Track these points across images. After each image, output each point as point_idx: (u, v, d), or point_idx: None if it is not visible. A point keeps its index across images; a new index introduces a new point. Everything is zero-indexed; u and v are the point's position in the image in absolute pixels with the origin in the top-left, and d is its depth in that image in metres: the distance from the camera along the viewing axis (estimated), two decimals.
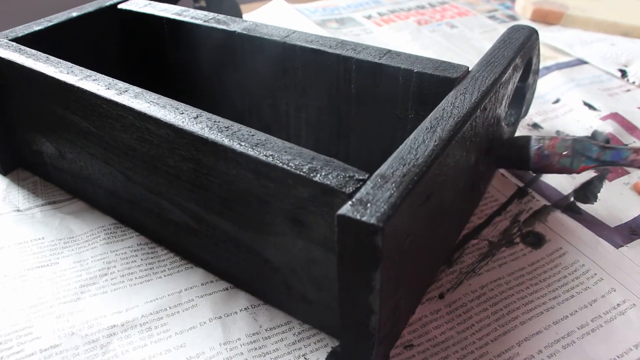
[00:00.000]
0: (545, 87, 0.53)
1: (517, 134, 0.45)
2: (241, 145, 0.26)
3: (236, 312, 0.31)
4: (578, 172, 0.35)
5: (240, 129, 0.27)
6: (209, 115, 0.28)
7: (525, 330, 0.30)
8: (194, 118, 0.28)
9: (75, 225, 0.36)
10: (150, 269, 0.33)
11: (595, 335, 0.30)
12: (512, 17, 0.68)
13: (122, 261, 0.34)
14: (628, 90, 0.53)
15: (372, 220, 0.22)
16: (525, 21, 0.67)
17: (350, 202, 0.23)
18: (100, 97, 0.31)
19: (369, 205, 0.22)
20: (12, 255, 0.34)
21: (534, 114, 0.49)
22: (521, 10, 0.69)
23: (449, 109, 0.29)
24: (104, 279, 0.32)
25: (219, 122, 0.28)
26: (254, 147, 0.26)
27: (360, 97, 0.36)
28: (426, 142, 0.26)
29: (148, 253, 0.34)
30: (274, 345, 0.29)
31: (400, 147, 0.26)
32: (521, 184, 0.40)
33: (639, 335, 0.30)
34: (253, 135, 0.27)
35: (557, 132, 0.47)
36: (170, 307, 0.31)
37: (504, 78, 0.33)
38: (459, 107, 0.29)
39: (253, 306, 0.31)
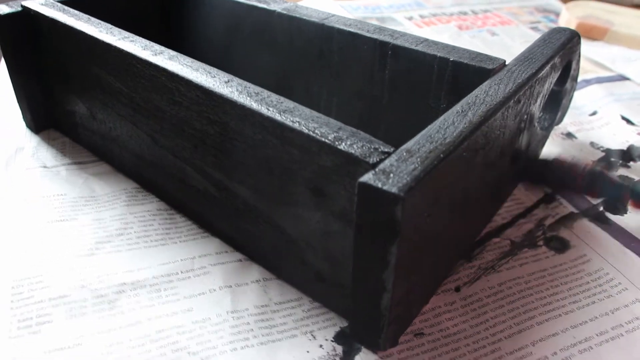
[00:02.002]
0: (583, 99, 0.52)
1: (550, 144, 0.44)
2: (269, 110, 0.26)
3: (247, 284, 0.30)
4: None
5: (269, 96, 0.27)
6: (240, 80, 0.28)
7: (541, 331, 0.29)
8: (225, 82, 0.28)
9: (97, 186, 0.36)
10: (167, 233, 0.33)
11: (614, 344, 0.29)
12: None
13: (140, 223, 0.34)
14: None
15: (394, 190, 0.21)
16: None
17: (372, 172, 0.22)
18: (136, 56, 0.31)
19: (391, 175, 0.22)
20: (35, 208, 0.34)
21: (568, 123, 0.47)
22: (565, 24, 0.68)
23: (482, 96, 0.28)
24: (119, 238, 0.32)
25: (249, 87, 0.28)
26: (282, 113, 0.26)
27: (393, 83, 0.36)
28: (456, 124, 0.26)
29: (166, 218, 0.34)
30: (281, 319, 0.29)
31: (429, 126, 0.26)
32: (549, 190, 0.39)
33: None
34: (282, 102, 0.27)
35: (591, 143, 0.45)
36: (181, 272, 0.31)
37: (541, 74, 0.32)
38: (492, 96, 0.29)
39: (265, 279, 0.31)
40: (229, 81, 0.28)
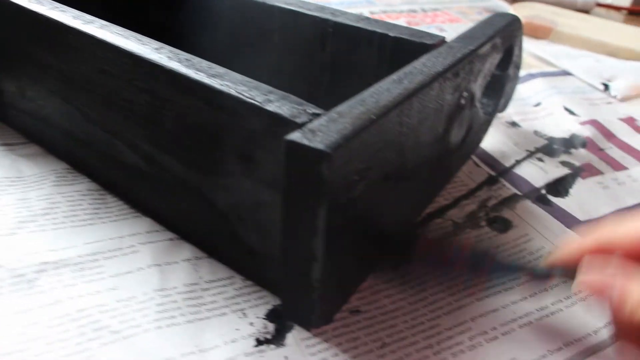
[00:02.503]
0: (527, 91, 0.52)
1: (495, 131, 0.44)
2: (197, 74, 0.25)
3: (177, 262, 0.29)
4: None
5: (200, 62, 0.26)
6: (172, 48, 0.27)
7: (481, 307, 0.29)
8: (156, 49, 0.27)
9: (26, 167, 0.34)
10: (96, 213, 0.31)
11: (555, 318, 0.28)
12: None
13: (68, 203, 0.32)
14: (609, 103, 0.52)
15: (320, 147, 0.20)
16: None
17: (300, 130, 0.21)
18: (66, 26, 0.29)
19: (319, 133, 0.21)
20: None
21: (513, 113, 0.48)
22: None
23: (419, 67, 0.28)
24: (44, 218, 0.31)
25: (180, 54, 0.27)
26: (211, 77, 0.25)
27: (335, 64, 0.35)
28: (390, 90, 0.25)
29: (96, 199, 0.33)
30: (211, 298, 0.27)
31: (363, 92, 0.25)
32: (493, 173, 0.39)
33: (599, 321, 0.28)
34: (212, 67, 0.26)
35: (535, 132, 0.46)
36: (109, 251, 0.29)
37: (481, 51, 0.32)
38: (430, 67, 0.28)
39: (196, 258, 0.29)
40: (159, 48, 0.27)
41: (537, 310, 0.29)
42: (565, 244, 0.26)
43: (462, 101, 0.33)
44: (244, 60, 0.39)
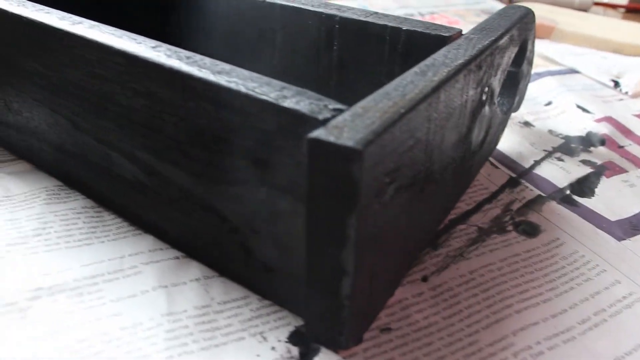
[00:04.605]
0: (536, 90, 0.50)
1: (509, 132, 0.42)
2: (201, 71, 0.22)
3: (185, 283, 0.26)
4: None
5: (203, 59, 0.24)
6: (170, 46, 0.25)
7: (521, 320, 0.26)
8: (152, 47, 0.25)
9: (13, 185, 0.32)
10: (93, 232, 0.29)
11: (598, 331, 0.26)
12: None
13: (62, 222, 0.29)
14: (621, 100, 0.50)
15: (350, 143, 0.18)
16: None
17: (323, 127, 0.19)
18: (52, 27, 0.27)
19: (345, 129, 0.19)
20: None
21: (525, 113, 0.46)
22: None
23: (441, 59, 0.26)
24: (36, 239, 0.28)
25: (179, 51, 0.24)
26: (216, 74, 0.22)
27: (342, 62, 0.33)
28: (415, 82, 0.23)
29: (92, 216, 0.30)
30: (226, 321, 0.25)
31: (385, 86, 0.23)
32: (513, 175, 0.37)
33: None
34: (217, 64, 0.23)
35: (550, 131, 0.44)
36: (108, 273, 0.26)
37: (501, 43, 0.30)
38: (452, 59, 0.26)
39: (206, 277, 0.27)
40: (156, 46, 0.25)
41: (578, 323, 0.26)
42: None
43: (484, 97, 0.30)
44: (244, 62, 0.37)
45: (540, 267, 0.29)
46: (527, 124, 0.45)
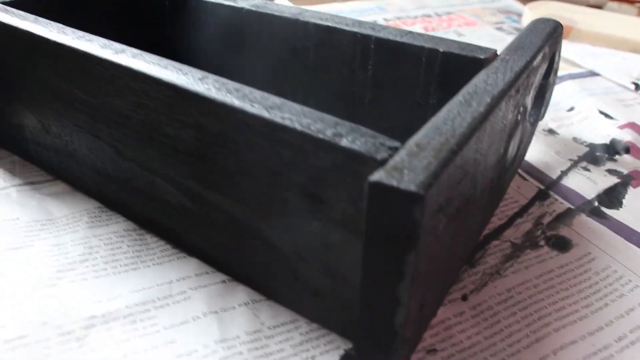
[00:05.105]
0: (558, 95, 0.50)
1: (534, 141, 0.43)
2: (254, 106, 0.23)
3: (234, 307, 0.27)
4: None
5: (252, 92, 0.24)
6: (217, 77, 0.25)
7: (560, 339, 0.27)
8: (199, 79, 0.25)
9: (54, 207, 0.32)
10: (138, 256, 0.29)
11: (635, 349, 0.27)
12: (519, 30, 0.67)
13: (106, 247, 0.30)
14: None
15: (412, 188, 0.18)
16: None
17: (382, 169, 0.19)
18: (94, 56, 0.27)
19: (405, 172, 0.19)
20: None
21: (549, 120, 0.46)
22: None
23: (482, 85, 0.26)
24: (84, 265, 0.29)
25: (227, 83, 0.25)
26: (269, 109, 0.23)
27: (377, 80, 0.33)
28: (462, 114, 0.23)
29: (136, 239, 0.30)
30: (277, 346, 0.25)
31: (433, 119, 0.23)
32: (542, 187, 0.38)
33: None
34: (267, 98, 0.24)
35: (574, 138, 0.44)
36: (158, 299, 0.27)
37: (535, 63, 0.30)
38: (492, 85, 0.26)
39: (254, 301, 0.27)
40: (203, 78, 0.25)
41: (615, 341, 0.27)
42: None
43: (519, 117, 0.31)
44: (277, 81, 0.37)
45: (574, 283, 0.30)
46: (551, 131, 0.45)
